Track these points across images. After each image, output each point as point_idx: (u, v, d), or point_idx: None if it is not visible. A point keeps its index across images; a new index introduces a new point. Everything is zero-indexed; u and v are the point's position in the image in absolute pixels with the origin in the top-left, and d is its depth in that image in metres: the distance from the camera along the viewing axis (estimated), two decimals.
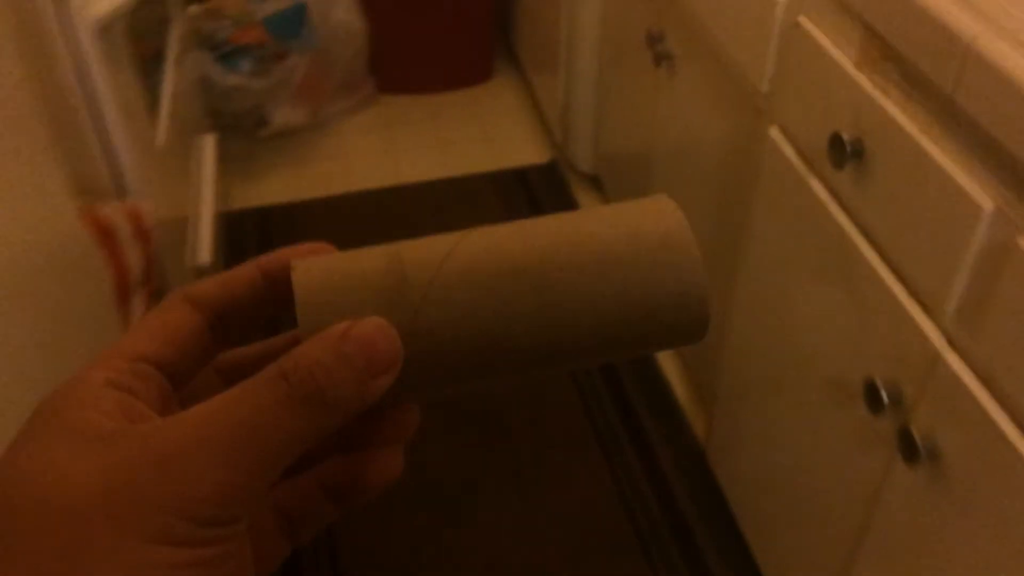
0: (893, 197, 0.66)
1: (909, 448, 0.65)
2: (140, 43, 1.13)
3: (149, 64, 1.23)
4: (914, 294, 0.67)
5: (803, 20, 0.79)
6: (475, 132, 1.97)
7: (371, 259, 0.28)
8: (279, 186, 1.82)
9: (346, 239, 0.31)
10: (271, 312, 0.30)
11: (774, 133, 0.86)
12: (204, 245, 1.32)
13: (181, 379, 0.29)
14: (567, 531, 1.19)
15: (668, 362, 1.42)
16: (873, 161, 0.68)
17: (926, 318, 0.65)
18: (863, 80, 0.69)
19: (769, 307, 0.93)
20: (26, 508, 0.24)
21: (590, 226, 0.29)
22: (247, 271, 0.30)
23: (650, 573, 1.14)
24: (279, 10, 1.76)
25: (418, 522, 1.20)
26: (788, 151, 0.83)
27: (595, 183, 1.74)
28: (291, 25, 1.77)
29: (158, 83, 1.26)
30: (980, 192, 0.57)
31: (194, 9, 1.72)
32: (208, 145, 1.56)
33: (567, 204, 1.75)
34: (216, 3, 1.75)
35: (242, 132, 1.85)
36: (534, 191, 1.80)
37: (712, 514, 1.19)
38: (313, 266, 0.28)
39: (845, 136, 0.70)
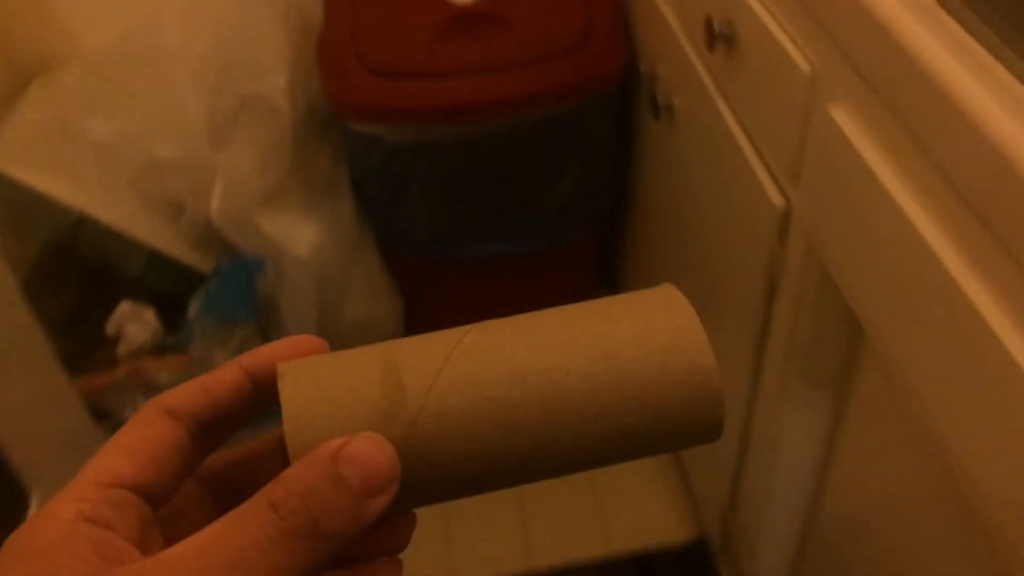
0: (748, 69, 0.70)
1: None
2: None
3: None
4: (760, 155, 0.70)
5: None
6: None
7: (365, 366, 0.26)
8: None
9: None
10: (257, 414, 0.28)
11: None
12: None
13: (162, 498, 0.27)
14: None
15: None
16: (737, 42, 0.71)
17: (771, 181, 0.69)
18: None
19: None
20: None
21: (597, 325, 0.27)
22: (230, 374, 0.28)
23: None
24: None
25: None
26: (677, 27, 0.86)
27: None
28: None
29: None
30: (801, 58, 0.60)
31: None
32: None
33: None
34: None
35: None
36: None
37: None
38: (302, 374, 0.26)
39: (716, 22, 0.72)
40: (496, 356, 0.26)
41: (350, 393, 0.25)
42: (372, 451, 0.24)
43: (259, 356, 0.28)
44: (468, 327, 0.27)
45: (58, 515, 0.24)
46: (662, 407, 0.26)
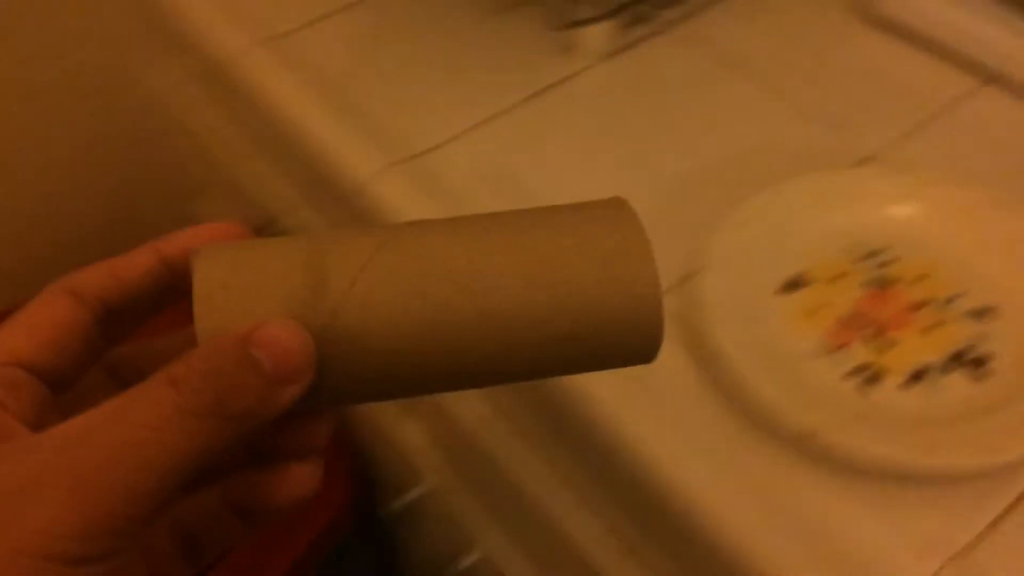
0: None
1: None
2: None
3: None
4: None
5: None
6: None
7: (288, 253, 0.25)
8: None
9: None
10: (170, 303, 0.27)
11: None
12: None
13: (64, 384, 0.25)
14: None
15: None
16: None
17: None
18: None
19: None
20: None
21: (538, 230, 0.26)
22: (143, 257, 0.26)
23: None
24: None
25: None
26: None
27: None
28: None
29: None
30: None
31: None
32: None
33: None
34: None
35: None
36: None
37: None
38: (219, 256, 0.24)
39: None
40: (429, 252, 0.25)
41: (268, 279, 0.24)
42: (286, 336, 0.23)
43: (178, 241, 0.27)
44: (403, 223, 0.26)
45: None
46: (599, 316, 0.25)
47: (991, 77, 0.58)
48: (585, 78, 0.61)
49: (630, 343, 0.26)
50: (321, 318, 0.24)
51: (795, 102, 0.58)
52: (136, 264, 0.26)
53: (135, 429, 0.21)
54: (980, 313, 0.45)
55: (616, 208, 0.27)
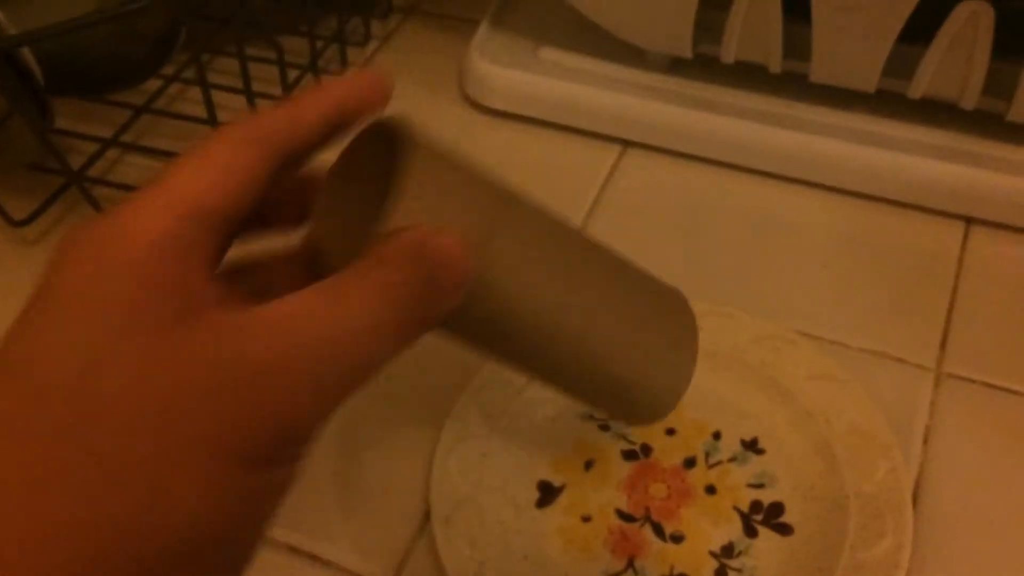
0: None
1: None
2: None
3: None
4: None
5: None
6: None
7: (477, 193, 0.26)
8: None
9: None
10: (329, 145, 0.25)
11: None
12: None
13: (235, 230, 0.24)
14: None
15: None
16: None
17: None
18: None
19: None
20: (49, 424, 0.19)
21: (636, 288, 0.31)
22: (319, 104, 0.24)
23: None
24: None
25: None
26: None
27: None
28: None
29: None
30: None
31: None
32: None
33: None
34: None
35: None
36: None
37: None
38: (427, 163, 0.25)
39: None
40: (565, 256, 0.29)
41: (458, 204, 0.25)
42: (457, 251, 0.23)
43: (349, 88, 0.25)
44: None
45: (145, 225, 0.21)
46: (645, 378, 0.31)
47: (626, 140, 0.53)
48: None
49: (643, 407, 0.32)
50: (489, 240, 0.26)
51: None
52: (314, 110, 0.25)
53: (351, 334, 0.21)
54: (749, 445, 0.39)
55: (681, 301, 0.33)
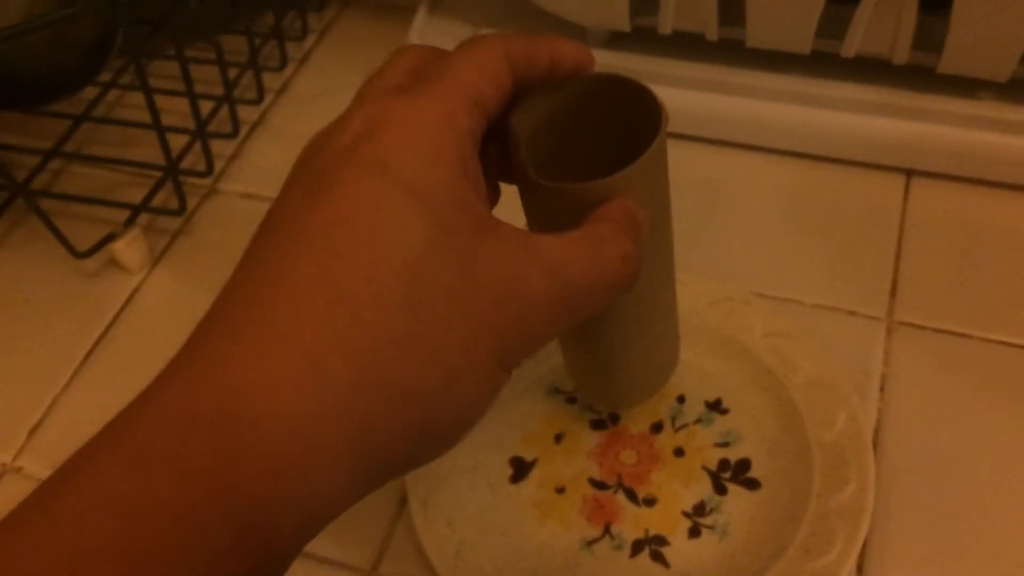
0: None
1: None
2: None
3: None
4: None
5: None
6: None
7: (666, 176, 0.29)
8: None
9: None
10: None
11: None
12: None
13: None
14: None
15: None
16: None
17: None
18: None
19: None
20: (362, 276, 0.21)
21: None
22: (545, 55, 0.27)
23: None
24: None
25: None
26: None
27: None
28: None
29: None
30: None
31: None
32: None
33: None
34: None
35: None
36: None
37: None
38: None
39: None
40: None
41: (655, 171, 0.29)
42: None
43: (566, 48, 0.27)
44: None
45: (457, 118, 0.24)
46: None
47: None
48: (147, 292, 0.48)
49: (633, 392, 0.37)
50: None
51: None
52: (542, 57, 0.27)
53: (599, 289, 0.25)
54: (712, 406, 0.40)
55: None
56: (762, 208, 0.48)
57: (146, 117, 0.46)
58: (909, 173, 0.49)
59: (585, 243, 0.25)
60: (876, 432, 0.39)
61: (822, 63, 0.49)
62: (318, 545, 0.37)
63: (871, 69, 0.49)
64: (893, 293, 0.44)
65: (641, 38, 0.52)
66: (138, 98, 0.47)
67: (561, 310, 0.24)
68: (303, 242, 0.22)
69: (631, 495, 0.38)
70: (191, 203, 0.51)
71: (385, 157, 0.22)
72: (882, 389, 0.41)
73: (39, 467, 0.41)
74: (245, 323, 0.21)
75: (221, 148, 0.54)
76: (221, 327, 0.22)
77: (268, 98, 0.57)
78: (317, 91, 0.58)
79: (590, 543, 0.37)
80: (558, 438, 0.40)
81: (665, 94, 0.51)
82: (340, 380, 0.21)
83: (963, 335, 0.43)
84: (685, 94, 0.51)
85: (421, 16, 0.57)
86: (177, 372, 0.22)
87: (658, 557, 0.36)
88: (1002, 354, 0.42)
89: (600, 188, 0.27)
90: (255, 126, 0.56)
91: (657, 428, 0.39)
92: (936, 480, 0.38)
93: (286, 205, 0.23)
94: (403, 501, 0.38)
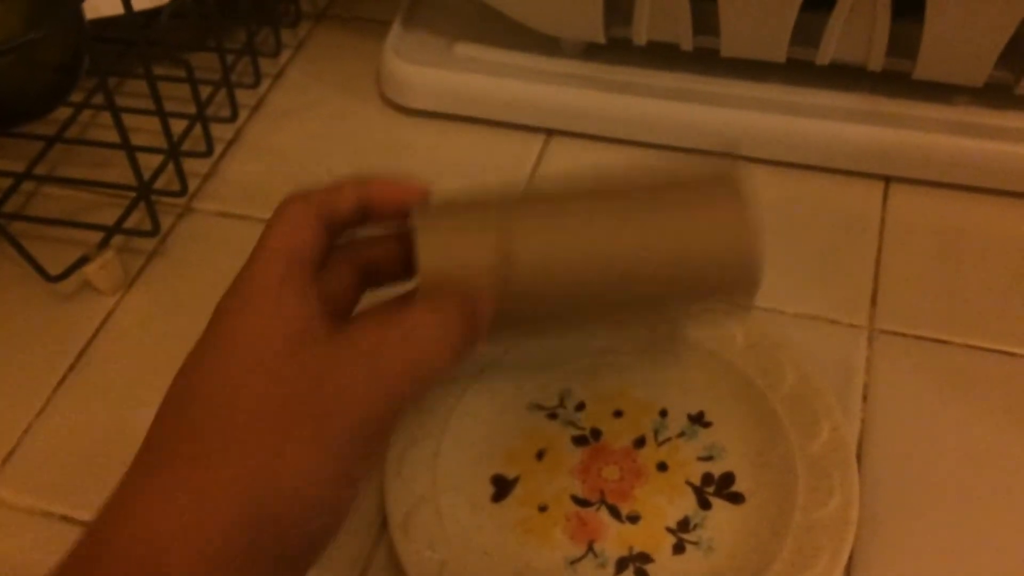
0: None
1: None
2: None
3: None
4: None
5: None
6: None
7: (483, 221, 0.33)
8: None
9: None
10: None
11: None
12: None
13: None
14: None
15: None
16: None
17: None
18: None
19: None
20: (212, 426, 0.27)
21: (660, 212, 0.33)
22: (346, 193, 0.33)
23: None
24: None
25: None
26: None
27: None
28: None
29: None
30: None
31: None
32: None
33: None
34: None
35: None
36: None
37: None
38: (436, 226, 0.33)
39: None
40: (578, 236, 0.33)
41: (470, 244, 0.32)
42: (486, 297, 0.31)
43: (371, 188, 0.33)
44: (566, 193, 0.34)
45: (264, 271, 0.30)
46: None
47: (549, 129, 0.53)
48: (121, 315, 0.47)
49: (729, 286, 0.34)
50: (503, 276, 0.32)
51: None
52: (343, 198, 0.33)
53: (417, 363, 0.29)
54: (695, 419, 0.40)
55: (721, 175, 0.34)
56: None
57: (116, 138, 0.46)
58: (887, 180, 0.49)
59: (396, 324, 0.29)
60: (860, 442, 0.39)
61: (798, 71, 0.49)
62: None
63: (847, 76, 0.49)
64: (874, 301, 0.44)
65: (616, 49, 0.52)
66: (110, 118, 0.46)
67: (380, 386, 0.28)
68: (171, 411, 0.29)
69: (614, 512, 0.37)
70: (165, 223, 0.51)
71: (215, 332, 0.30)
72: (864, 398, 0.41)
73: (14, 494, 0.41)
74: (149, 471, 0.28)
75: (195, 167, 0.53)
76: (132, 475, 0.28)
77: (243, 115, 0.56)
78: (293, 106, 0.57)
79: (574, 562, 0.36)
80: (540, 455, 0.39)
81: (641, 104, 0.51)
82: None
83: (944, 341, 0.42)
84: (660, 104, 0.51)
85: (395, 30, 0.56)
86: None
87: (642, 575, 0.36)
88: (983, 360, 0.42)
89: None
90: (230, 144, 0.55)
91: (640, 443, 0.39)
92: (921, 490, 0.38)
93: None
94: (384, 524, 0.37)
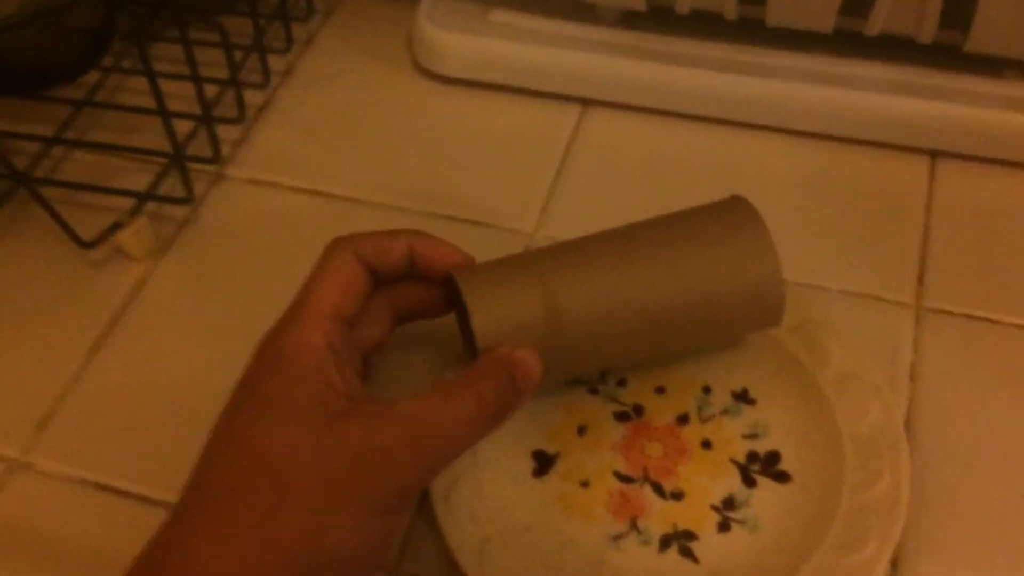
0: None
1: None
2: None
3: None
4: None
5: None
6: None
7: (526, 285, 0.34)
8: None
9: None
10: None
11: None
12: None
13: (354, 322, 0.35)
14: None
15: None
16: None
17: None
18: None
19: None
20: (265, 485, 0.29)
21: (686, 259, 0.35)
22: (400, 246, 0.35)
23: None
24: None
25: None
26: None
27: None
28: None
29: None
30: None
31: None
32: None
33: None
34: None
35: None
36: None
37: None
38: (477, 288, 0.34)
39: None
40: (614, 283, 0.35)
41: (517, 308, 0.34)
42: (533, 362, 0.33)
43: (426, 245, 0.36)
44: (601, 248, 0.36)
45: (310, 341, 0.32)
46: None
47: (585, 99, 0.52)
48: (157, 281, 0.46)
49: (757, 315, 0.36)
50: (549, 335, 0.34)
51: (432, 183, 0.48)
52: (396, 248, 0.35)
53: (455, 425, 0.31)
54: (739, 397, 0.39)
55: (739, 208, 0.36)
56: (784, 192, 0.47)
57: (149, 102, 0.45)
58: (934, 155, 0.48)
59: (438, 394, 0.31)
60: (907, 423, 0.38)
61: (844, 42, 0.48)
62: None
63: (895, 48, 0.48)
64: (921, 279, 0.43)
65: (655, 17, 0.50)
66: (140, 83, 0.45)
67: (419, 449, 0.30)
68: (225, 458, 0.31)
69: (658, 489, 0.37)
70: (197, 190, 0.50)
71: (259, 389, 0.31)
72: (912, 378, 0.40)
73: (49, 462, 0.40)
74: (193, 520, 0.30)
75: (227, 133, 0.52)
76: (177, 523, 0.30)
77: (274, 81, 0.55)
78: (324, 74, 0.56)
79: (617, 538, 0.36)
80: (581, 430, 0.39)
81: (681, 75, 0.50)
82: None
83: (993, 321, 0.42)
84: (702, 75, 0.50)
85: None
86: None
87: (687, 552, 0.35)
88: None
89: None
90: (261, 110, 0.54)
91: (683, 420, 0.38)
92: (971, 471, 0.37)
93: (222, 418, 0.32)
94: (425, 497, 0.37)
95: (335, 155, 0.51)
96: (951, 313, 0.42)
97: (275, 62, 0.56)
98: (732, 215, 0.36)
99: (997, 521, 0.36)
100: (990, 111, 0.46)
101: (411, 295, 0.37)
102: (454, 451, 0.32)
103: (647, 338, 0.35)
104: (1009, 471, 0.37)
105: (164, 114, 0.44)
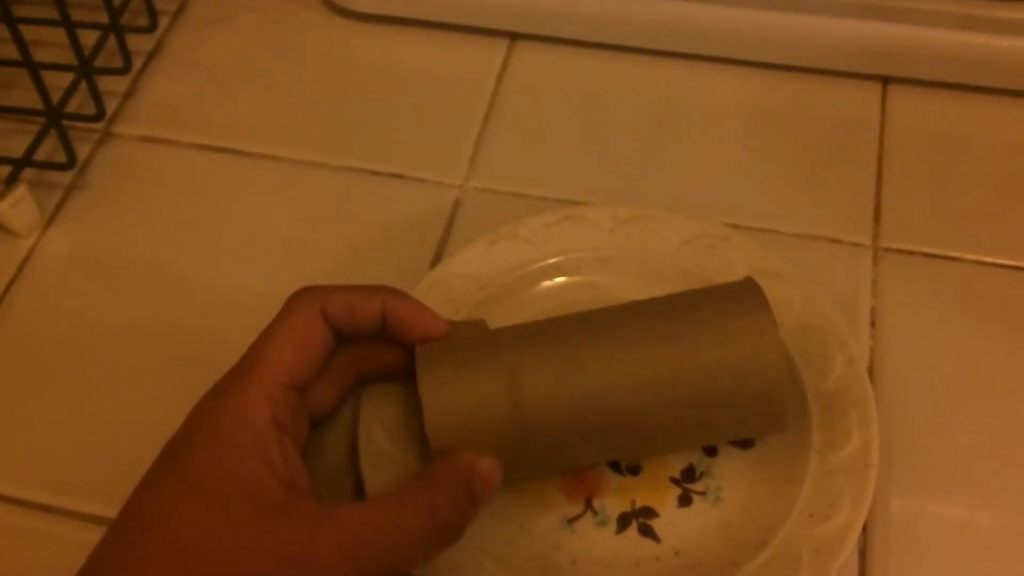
0: None
1: None
2: None
3: None
4: None
5: None
6: None
7: (492, 383, 0.30)
8: None
9: None
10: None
11: None
12: None
13: (307, 389, 0.31)
14: None
15: None
16: None
17: None
18: None
19: None
20: (211, 558, 0.26)
21: (682, 355, 0.30)
22: (374, 305, 0.32)
23: None
24: None
25: None
26: None
27: None
28: None
29: None
30: None
31: None
32: None
33: None
34: None
35: None
36: None
37: None
38: (440, 380, 0.31)
39: None
40: (593, 382, 0.30)
41: (479, 412, 0.30)
42: (493, 471, 0.30)
43: (401, 307, 0.32)
44: (580, 340, 0.31)
45: (254, 415, 0.28)
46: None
47: (513, 33, 0.48)
48: (43, 257, 0.41)
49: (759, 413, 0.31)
50: (514, 436, 0.30)
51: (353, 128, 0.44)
52: (368, 309, 0.31)
53: (402, 538, 0.28)
54: None
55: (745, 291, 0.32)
56: (730, 128, 0.44)
57: (16, 53, 0.39)
58: (886, 80, 0.45)
59: (387, 499, 0.28)
60: (871, 370, 0.36)
61: None
62: None
63: None
64: (877, 216, 0.41)
65: None
66: (4, 31, 0.40)
67: (358, 564, 0.27)
68: (123, 533, 0.27)
69: (613, 464, 0.34)
70: (82, 152, 0.44)
71: (189, 463, 0.27)
72: (873, 324, 0.37)
73: None
74: None
75: (112, 85, 0.47)
76: None
77: (163, 23, 0.50)
78: (221, 12, 0.51)
79: (572, 520, 0.33)
80: None
81: (617, 3, 0.46)
82: None
83: (954, 258, 0.39)
84: (638, 2, 0.46)
85: None
86: None
87: (647, 531, 0.33)
88: (995, 276, 0.39)
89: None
90: (150, 57, 0.49)
91: None
92: (939, 416, 0.35)
93: (141, 486, 0.28)
94: (360, 492, 0.34)
95: (238, 105, 0.46)
96: (910, 252, 0.39)
97: (163, 2, 0.50)
98: (736, 306, 0.31)
99: (970, 468, 0.34)
100: (945, 32, 0.43)
101: (378, 358, 0.33)
102: (399, 567, 0.28)
103: (628, 442, 0.32)
104: (978, 415, 0.35)
105: (31, 65, 0.39)
